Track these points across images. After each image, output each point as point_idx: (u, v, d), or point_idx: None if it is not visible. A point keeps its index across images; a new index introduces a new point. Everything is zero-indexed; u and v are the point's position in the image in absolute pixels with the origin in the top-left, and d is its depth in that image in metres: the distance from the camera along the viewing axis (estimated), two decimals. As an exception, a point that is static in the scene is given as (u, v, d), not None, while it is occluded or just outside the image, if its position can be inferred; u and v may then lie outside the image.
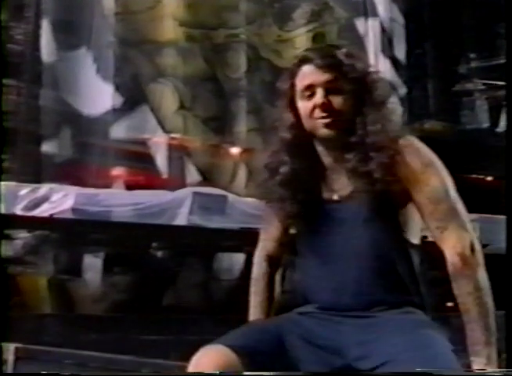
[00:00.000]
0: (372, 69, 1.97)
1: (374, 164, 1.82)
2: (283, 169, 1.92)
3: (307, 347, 1.84)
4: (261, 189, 2.02)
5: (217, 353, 1.76)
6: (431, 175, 1.84)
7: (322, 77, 1.88)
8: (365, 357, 1.78)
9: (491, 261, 1.85)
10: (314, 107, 1.88)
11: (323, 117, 1.87)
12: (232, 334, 1.86)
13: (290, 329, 1.87)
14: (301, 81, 1.91)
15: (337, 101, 1.88)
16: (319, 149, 1.93)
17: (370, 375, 1.74)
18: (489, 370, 1.70)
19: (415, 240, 1.91)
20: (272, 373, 1.74)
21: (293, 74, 1.93)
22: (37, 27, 10.47)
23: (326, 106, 1.86)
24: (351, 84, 1.88)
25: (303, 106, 1.91)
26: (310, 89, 1.89)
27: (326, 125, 1.87)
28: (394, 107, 2.01)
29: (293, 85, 1.93)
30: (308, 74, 1.89)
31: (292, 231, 2.04)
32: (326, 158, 1.92)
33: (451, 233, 1.82)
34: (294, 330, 1.87)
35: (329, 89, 1.88)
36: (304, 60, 1.92)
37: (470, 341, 1.76)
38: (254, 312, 2.05)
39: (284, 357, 1.81)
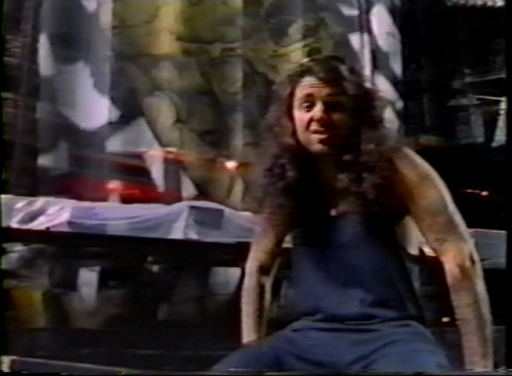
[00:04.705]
0: (372, 87, 1.94)
1: (367, 185, 1.79)
2: (286, 176, 1.88)
3: (304, 366, 1.83)
4: (262, 195, 1.96)
5: None
6: (428, 188, 1.83)
7: (323, 90, 1.85)
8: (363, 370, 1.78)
9: (488, 276, 1.85)
10: (311, 120, 1.84)
11: (319, 132, 1.83)
12: (228, 359, 1.83)
13: (286, 349, 1.86)
14: (302, 91, 1.87)
15: (335, 117, 1.84)
16: (314, 163, 1.90)
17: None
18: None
19: (413, 252, 1.91)
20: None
21: (293, 82, 1.90)
22: (35, 40, 10.51)
23: (323, 121, 1.83)
24: (351, 101, 1.84)
25: (300, 117, 1.87)
26: (309, 100, 1.85)
27: (321, 141, 1.83)
28: (392, 126, 2.00)
29: (292, 94, 1.89)
30: (309, 86, 1.86)
31: (285, 244, 2.04)
32: (321, 173, 1.90)
33: (450, 244, 1.81)
34: (290, 350, 1.85)
35: (329, 104, 1.84)
36: (306, 71, 1.89)
37: (467, 353, 1.75)
38: (247, 322, 2.03)
39: None
